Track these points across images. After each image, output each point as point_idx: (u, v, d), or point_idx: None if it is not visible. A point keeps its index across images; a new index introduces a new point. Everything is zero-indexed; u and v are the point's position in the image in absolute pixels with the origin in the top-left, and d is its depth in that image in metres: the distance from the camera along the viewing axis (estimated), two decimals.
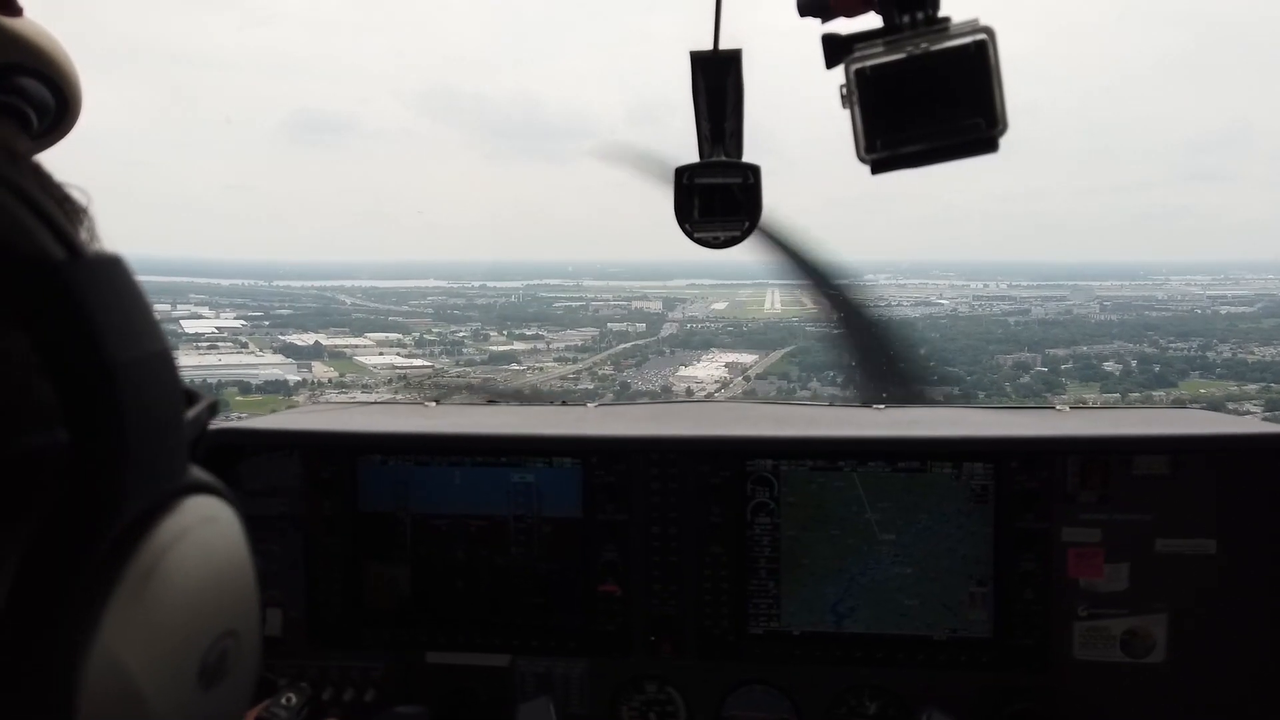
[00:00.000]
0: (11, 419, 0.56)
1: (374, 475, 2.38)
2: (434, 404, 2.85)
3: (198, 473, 0.68)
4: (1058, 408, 2.57)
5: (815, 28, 1.17)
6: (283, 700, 2.00)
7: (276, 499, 2.38)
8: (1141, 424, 2.39)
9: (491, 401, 3.13)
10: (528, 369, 22.48)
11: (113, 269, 0.61)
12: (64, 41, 1.14)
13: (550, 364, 23.47)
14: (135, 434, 0.59)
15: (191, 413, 0.70)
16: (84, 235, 0.65)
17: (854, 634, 2.26)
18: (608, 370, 22.85)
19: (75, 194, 0.68)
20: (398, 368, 20.52)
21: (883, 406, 2.66)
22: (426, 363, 22.47)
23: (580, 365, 23.14)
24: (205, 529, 0.66)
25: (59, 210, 0.61)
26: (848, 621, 2.27)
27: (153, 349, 0.62)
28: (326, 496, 2.37)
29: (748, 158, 1.57)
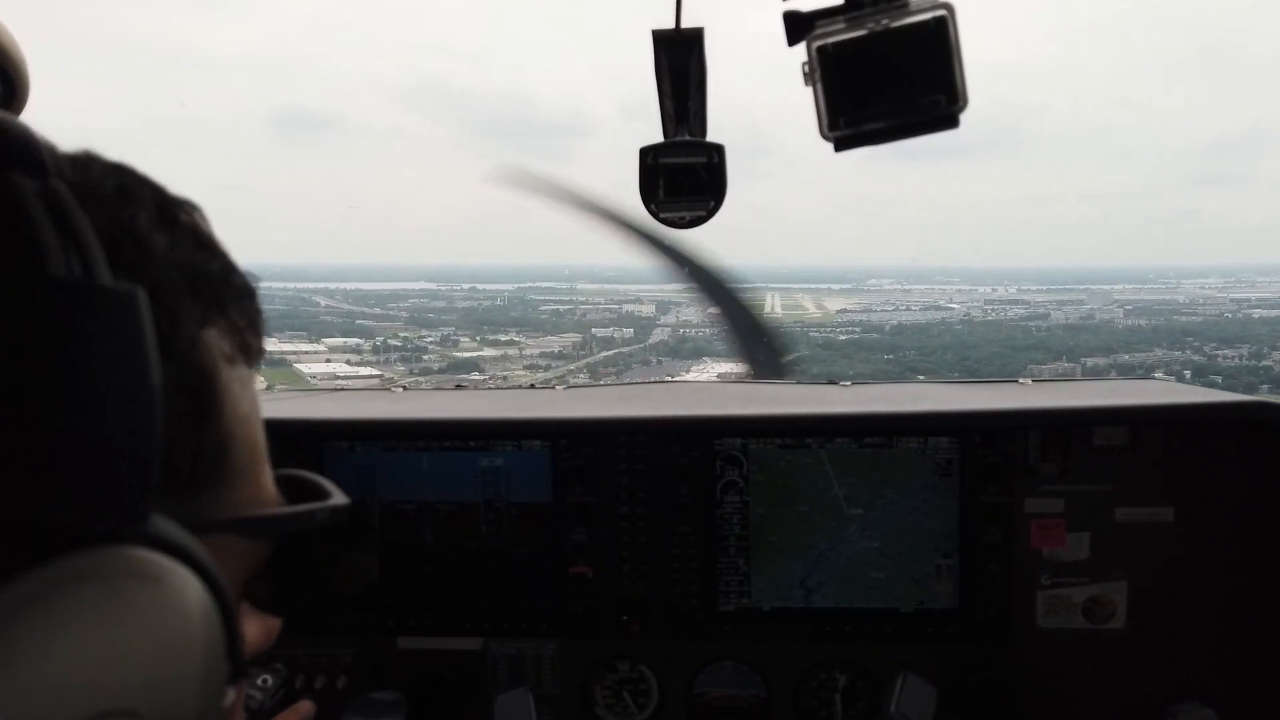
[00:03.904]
0: None
1: (340, 462, 2.70)
2: (401, 389, 3.23)
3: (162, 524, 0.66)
4: (1021, 381, 2.99)
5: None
6: (258, 681, 2.26)
7: None
8: (1101, 396, 2.80)
9: (459, 386, 3.50)
10: (490, 378, 22.83)
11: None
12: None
13: (519, 372, 23.85)
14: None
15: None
16: None
17: (823, 609, 2.65)
18: (582, 380, 23.16)
19: None
20: (340, 377, 20.75)
21: (849, 383, 3.06)
22: (376, 371, 22.79)
23: (551, 374, 23.52)
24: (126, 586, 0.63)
25: None
26: (816, 596, 2.66)
27: None
28: None
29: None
